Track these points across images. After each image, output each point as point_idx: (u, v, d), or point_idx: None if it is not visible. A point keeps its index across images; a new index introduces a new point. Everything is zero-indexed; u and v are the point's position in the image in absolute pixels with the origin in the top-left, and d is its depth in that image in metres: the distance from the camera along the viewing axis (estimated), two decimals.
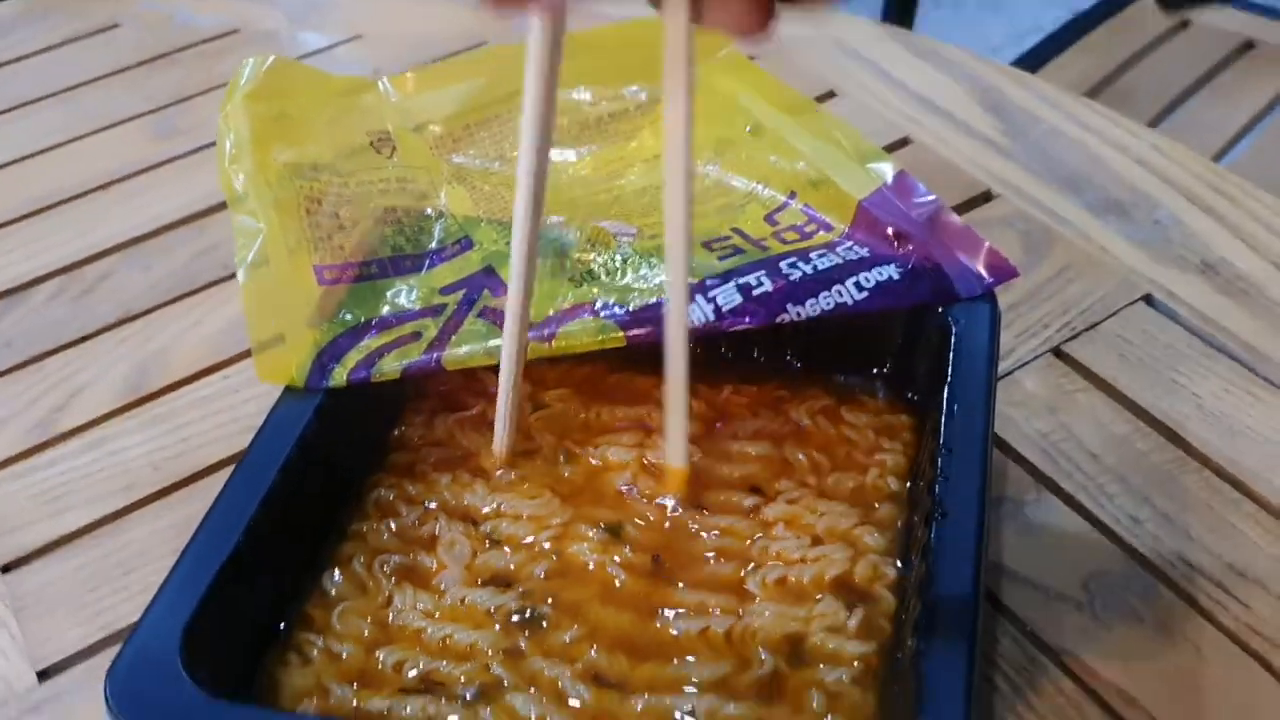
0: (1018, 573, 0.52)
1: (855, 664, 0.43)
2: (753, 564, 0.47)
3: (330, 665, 0.45)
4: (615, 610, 0.46)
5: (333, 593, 0.47)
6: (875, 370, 0.54)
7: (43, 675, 0.51)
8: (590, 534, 0.48)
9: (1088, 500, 0.55)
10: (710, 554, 0.48)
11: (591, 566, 0.47)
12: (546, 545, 0.48)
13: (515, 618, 0.46)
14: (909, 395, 0.54)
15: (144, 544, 0.56)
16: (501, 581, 0.47)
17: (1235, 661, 0.49)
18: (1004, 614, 0.51)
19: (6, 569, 0.55)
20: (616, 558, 0.47)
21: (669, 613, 0.46)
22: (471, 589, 0.47)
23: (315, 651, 0.45)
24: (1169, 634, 0.50)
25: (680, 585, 0.47)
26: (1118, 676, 0.48)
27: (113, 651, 0.41)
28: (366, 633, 0.46)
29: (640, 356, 0.51)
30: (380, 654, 0.45)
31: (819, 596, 0.46)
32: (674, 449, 0.49)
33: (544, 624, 0.45)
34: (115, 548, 0.56)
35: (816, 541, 0.48)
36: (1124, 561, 0.52)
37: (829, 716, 0.42)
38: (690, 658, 0.44)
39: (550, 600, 0.46)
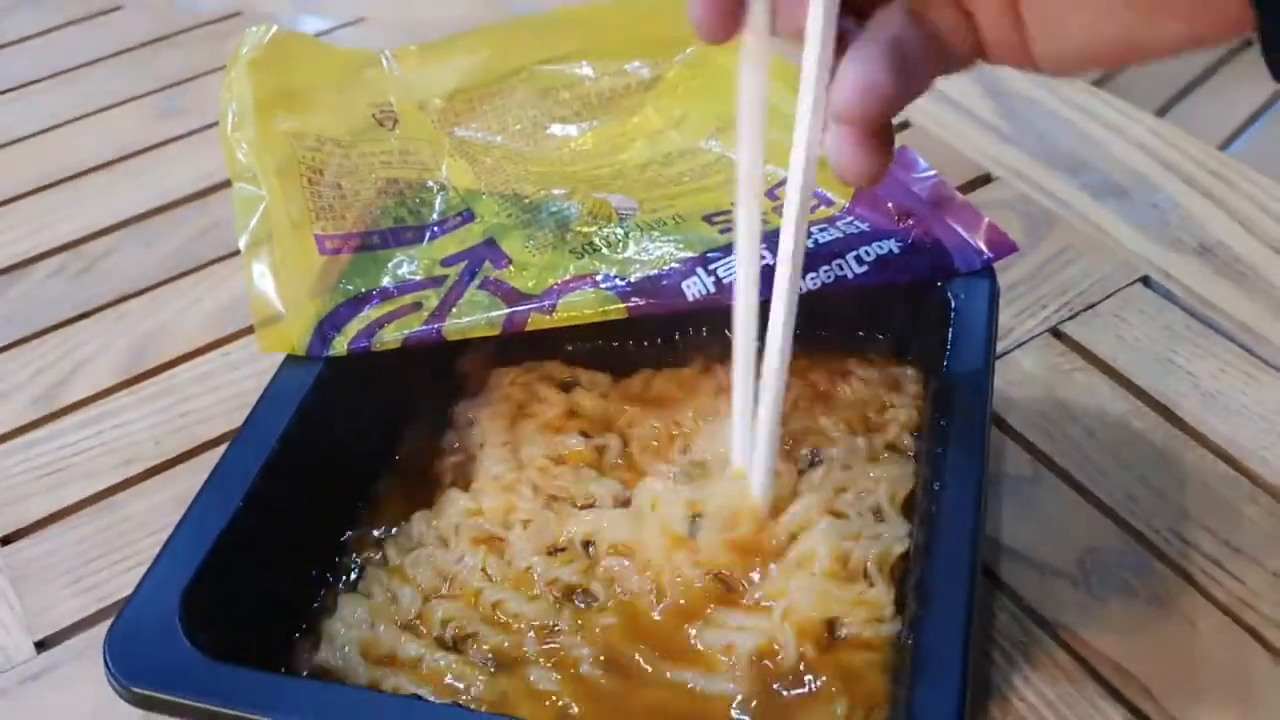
0: (1014, 549, 0.52)
1: (887, 648, 0.44)
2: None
3: (387, 606, 0.47)
4: (657, 613, 0.46)
5: (414, 537, 0.49)
6: (874, 346, 0.55)
7: (41, 645, 0.52)
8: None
9: (1084, 478, 0.55)
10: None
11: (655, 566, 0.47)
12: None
13: (572, 595, 0.47)
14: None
15: (143, 517, 0.56)
16: (567, 553, 0.48)
17: (1229, 635, 0.49)
18: (1001, 589, 0.51)
19: (6, 541, 0.56)
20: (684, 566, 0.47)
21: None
22: (540, 556, 0.48)
23: (379, 589, 0.47)
24: (1164, 608, 0.50)
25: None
26: (1113, 650, 0.49)
27: (110, 622, 0.41)
28: (430, 583, 0.48)
29: None
30: (435, 604, 0.47)
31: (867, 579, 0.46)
32: (755, 479, 0.47)
33: (592, 604, 0.47)
34: (114, 521, 0.56)
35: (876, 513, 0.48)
36: (1120, 538, 0.53)
37: (844, 699, 0.43)
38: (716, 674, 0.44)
39: (605, 584, 0.47)
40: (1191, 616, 0.50)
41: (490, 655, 0.45)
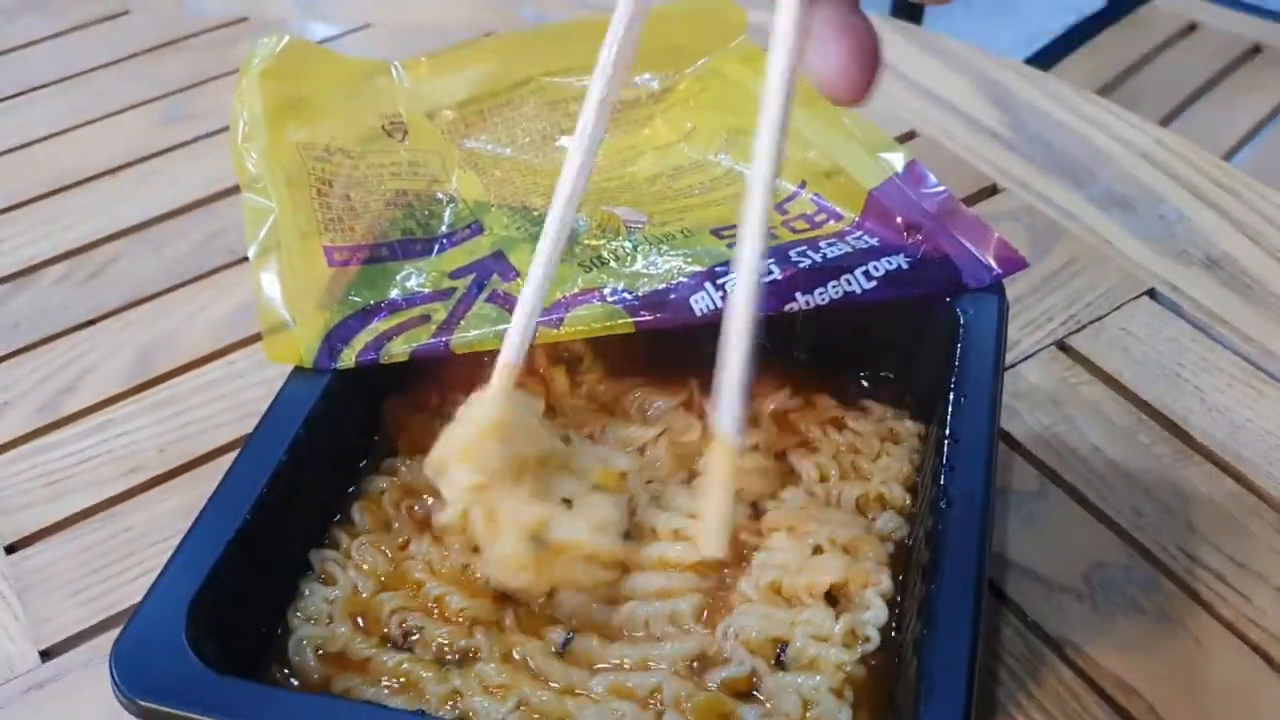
0: (1020, 564, 0.52)
1: (836, 672, 0.44)
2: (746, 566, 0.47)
3: (349, 599, 0.47)
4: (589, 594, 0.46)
5: (356, 522, 0.49)
6: (883, 359, 0.54)
7: (45, 655, 0.52)
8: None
9: (1090, 493, 0.55)
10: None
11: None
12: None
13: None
14: (915, 393, 0.53)
15: (147, 527, 0.56)
16: None
17: (1235, 653, 0.49)
18: (1006, 605, 0.51)
19: (10, 549, 0.56)
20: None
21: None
22: (474, 556, 0.47)
23: (339, 583, 0.47)
24: (1169, 625, 0.50)
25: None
26: (1118, 667, 0.49)
27: (114, 632, 0.41)
28: (381, 574, 0.48)
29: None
30: (384, 597, 0.47)
31: (809, 603, 0.46)
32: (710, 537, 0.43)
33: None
34: (118, 530, 0.56)
35: (817, 550, 0.47)
36: (1125, 553, 0.53)
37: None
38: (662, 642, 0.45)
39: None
40: (1197, 633, 0.50)
41: (443, 646, 0.45)
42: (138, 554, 0.55)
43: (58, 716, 0.49)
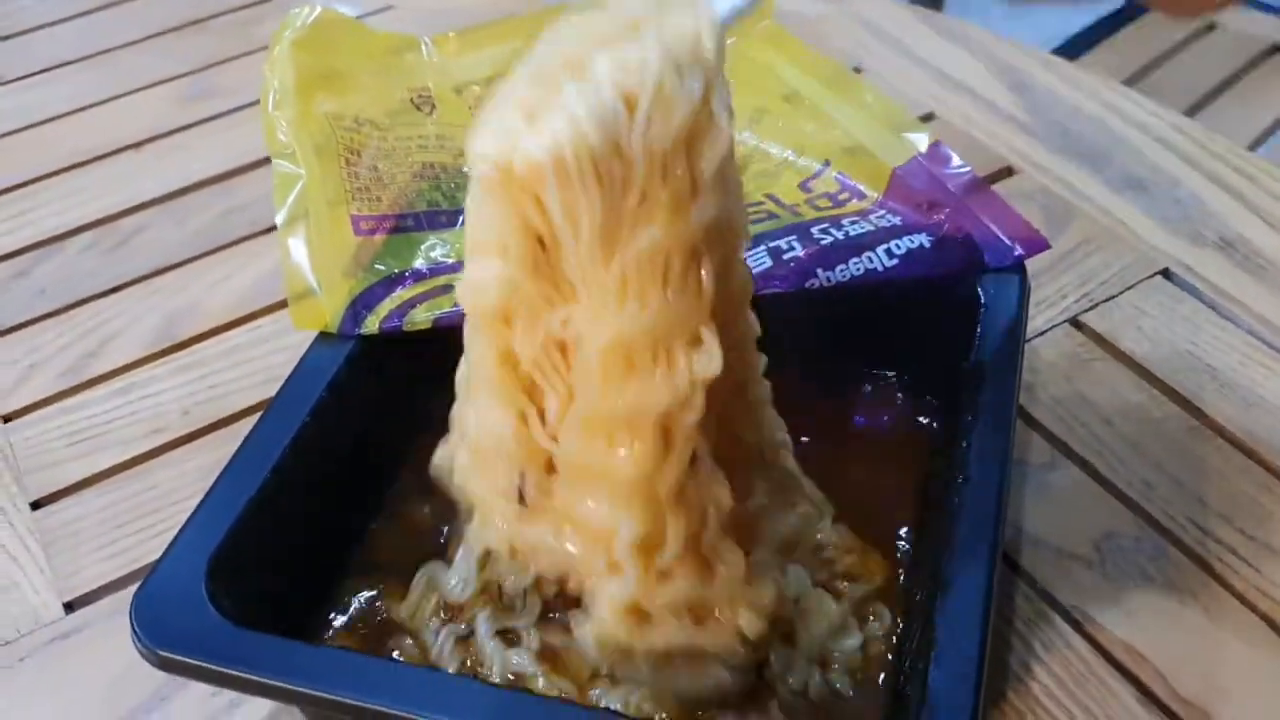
0: (1032, 534, 0.53)
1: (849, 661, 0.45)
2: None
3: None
4: None
5: None
6: (903, 339, 0.55)
7: (69, 607, 0.53)
8: None
9: (1102, 465, 0.56)
10: None
11: None
12: None
13: None
14: (935, 372, 0.53)
15: (171, 485, 0.57)
16: None
17: (1244, 622, 0.49)
18: (1018, 573, 0.51)
19: (36, 505, 0.57)
20: None
21: None
22: None
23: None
24: (1178, 594, 0.50)
25: None
26: (1127, 634, 0.49)
27: (136, 586, 0.42)
28: None
29: None
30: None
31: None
32: None
33: None
34: (143, 488, 0.57)
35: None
36: (1136, 524, 0.53)
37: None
38: None
39: None
40: (1207, 603, 0.50)
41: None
42: (161, 511, 0.56)
43: (80, 666, 0.50)
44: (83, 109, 0.84)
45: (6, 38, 0.93)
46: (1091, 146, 0.75)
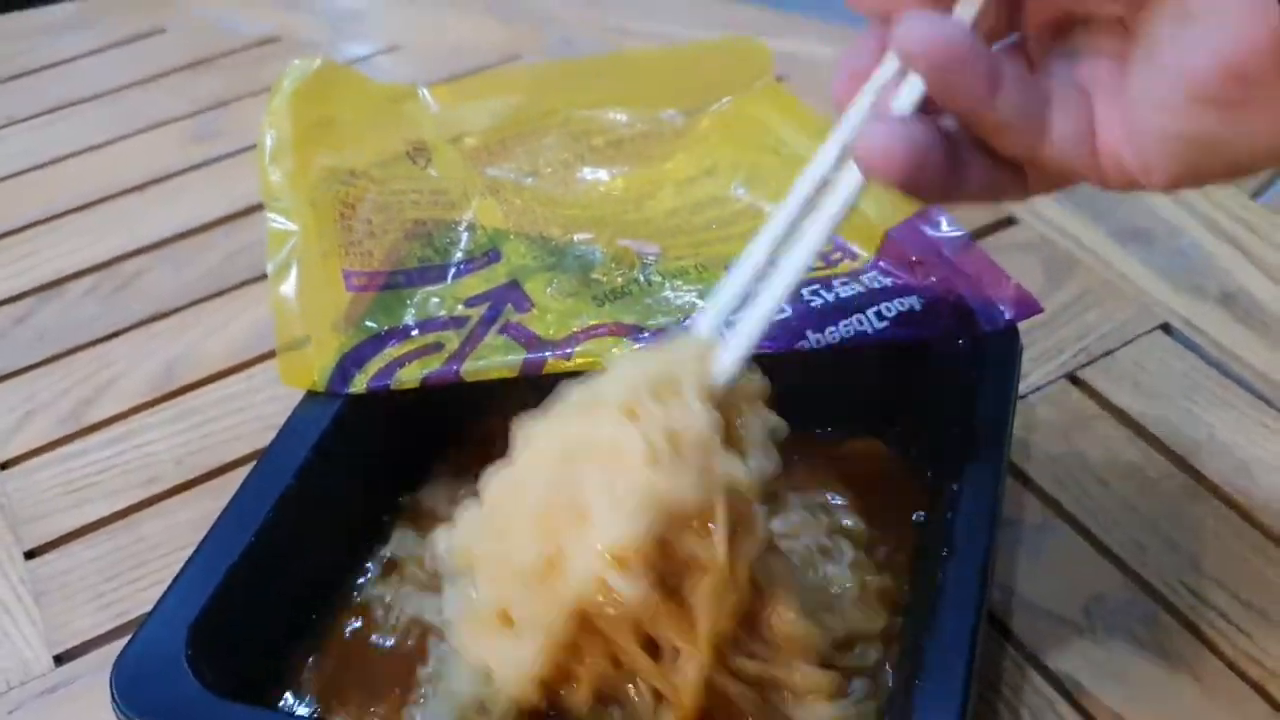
0: (1023, 596, 0.52)
1: None
2: None
3: None
4: None
5: None
6: (894, 402, 0.54)
7: (59, 659, 0.53)
8: None
9: (1095, 526, 0.55)
10: None
11: None
12: None
13: None
14: (926, 437, 0.53)
15: (163, 536, 0.57)
16: None
17: (1234, 691, 0.49)
18: (1008, 637, 0.51)
19: (30, 555, 0.57)
20: None
21: None
22: None
23: None
24: (1168, 660, 0.50)
25: None
26: (1115, 701, 0.49)
27: (126, 639, 0.42)
28: None
29: None
30: None
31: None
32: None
33: None
34: (134, 539, 0.57)
35: None
36: (1127, 587, 0.53)
37: None
38: None
39: None
40: (1196, 669, 0.50)
41: None
42: (152, 563, 0.56)
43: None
44: (88, 150, 0.85)
45: (16, 77, 0.93)
46: (1094, 196, 0.75)
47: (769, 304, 0.40)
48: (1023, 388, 0.61)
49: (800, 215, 0.40)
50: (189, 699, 0.40)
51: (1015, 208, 0.74)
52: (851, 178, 0.39)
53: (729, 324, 0.41)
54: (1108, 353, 0.64)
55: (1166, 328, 0.65)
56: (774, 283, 0.41)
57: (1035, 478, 0.57)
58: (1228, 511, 0.56)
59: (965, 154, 0.37)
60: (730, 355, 0.40)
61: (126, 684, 0.41)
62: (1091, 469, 0.58)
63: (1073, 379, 0.63)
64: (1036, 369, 0.63)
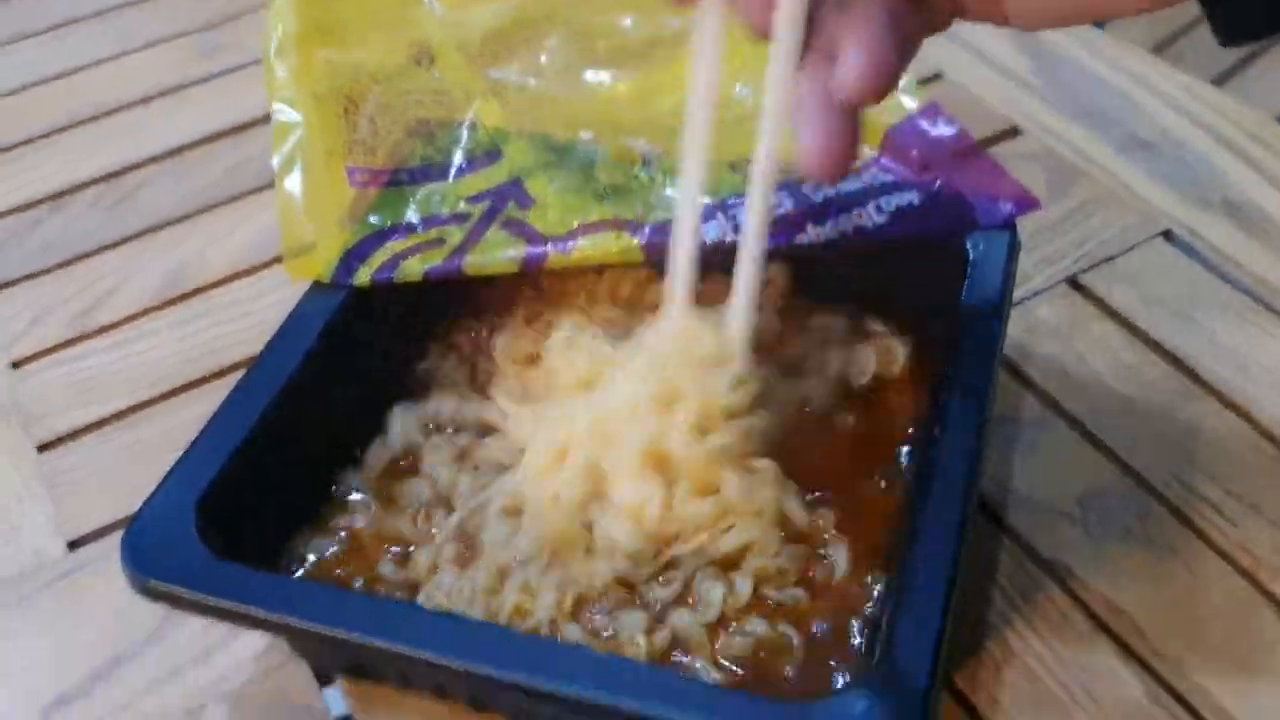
0: (1019, 491, 0.53)
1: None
2: None
3: None
4: None
5: None
6: (891, 295, 0.55)
7: (73, 545, 0.54)
8: None
9: (1091, 423, 0.56)
10: None
11: None
12: None
13: None
14: (923, 330, 0.54)
15: (172, 432, 0.58)
16: None
17: (1224, 578, 0.50)
18: (1003, 528, 0.52)
19: (42, 448, 0.58)
20: None
21: None
22: None
23: None
24: (1160, 549, 0.51)
25: None
26: (1107, 589, 0.49)
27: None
28: None
29: None
30: None
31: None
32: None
33: None
34: (145, 434, 0.58)
35: None
36: (1121, 481, 0.53)
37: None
38: None
39: None
40: (1188, 559, 0.50)
41: None
42: (163, 456, 0.55)
43: (83, 602, 0.52)
44: (92, 65, 0.85)
45: None
46: (1100, 108, 0.75)
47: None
48: (1023, 291, 0.62)
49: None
50: (196, 562, 0.41)
51: (1019, 119, 0.74)
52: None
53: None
54: (1109, 258, 0.64)
55: (1168, 235, 0.65)
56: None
57: (1033, 377, 0.58)
58: (1223, 410, 0.56)
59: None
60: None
61: (137, 551, 0.42)
62: (1089, 369, 0.58)
63: (1073, 283, 0.63)
64: (1037, 273, 0.63)
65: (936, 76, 0.78)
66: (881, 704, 0.36)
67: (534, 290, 0.56)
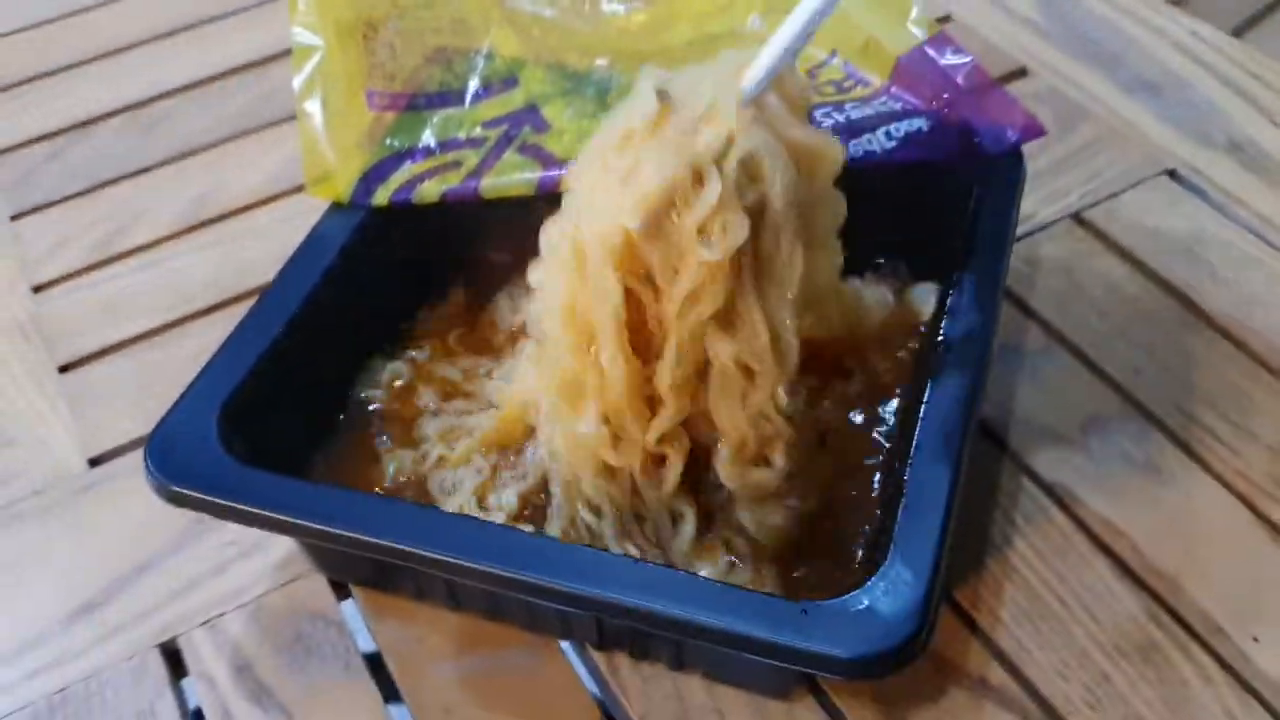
0: (1021, 416, 0.54)
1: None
2: None
3: None
4: None
5: None
6: (900, 221, 0.55)
7: (94, 462, 0.55)
8: None
9: (1093, 352, 0.57)
10: None
11: None
12: None
13: None
14: (930, 253, 0.55)
15: (194, 351, 0.59)
16: None
17: (1221, 502, 0.51)
18: (1005, 451, 0.53)
19: (64, 369, 0.60)
20: None
21: None
22: None
23: None
24: (1159, 474, 0.52)
25: None
26: (1107, 510, 0.51)
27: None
28: None
29: None
30: None
31: None
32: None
33: None
34: (168, 354, 0.60)
35: None
36: (1123, 409, 0.54)
37: None
38: None
39: None
40: (1186, 483, 0.52)
41: None
42: (184, 376, 0.56)
43: (105, 514, 0.53)
44: None
45: None
46: (1106, 49, 0.75)
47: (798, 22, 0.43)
48: (1028, 226, 0.63)
49: None
50: (218, 468, 0.43)
51: (1026, 60, 0.75)
52: None
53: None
54: (1113, 195, 0.65)
55: (1173, 173, 0.66)
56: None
57: (1037, 308, 0.59)
58: (1222, 341, 0.57)
59: None
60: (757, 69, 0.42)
61: (161, 458, 0.43)
62: (1092, 301, 0.59)
63: (1077, 219, 0.64)
64: (1042, 209, 0.64)
65: (945, 18, 0.79)
66: (883, 604, 0.38)
67: None
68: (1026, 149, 0.53)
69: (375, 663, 0.48)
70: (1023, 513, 0.51)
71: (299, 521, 0.42)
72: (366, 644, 0.48)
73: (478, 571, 0.40)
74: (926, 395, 0.44)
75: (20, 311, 0.63)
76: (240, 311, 0.60)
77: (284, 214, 0.67)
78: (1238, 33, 1.16)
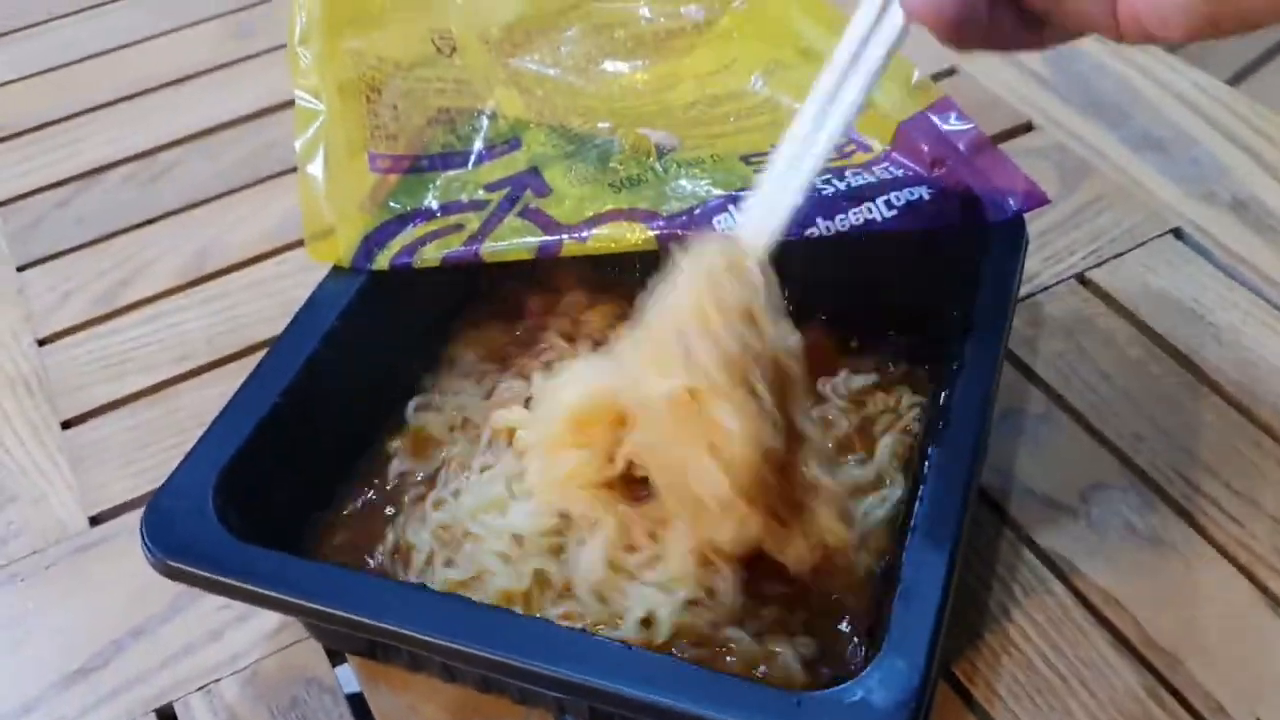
0: (1022, 482, 0.54)
1: None
2: None
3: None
4: None
5: None
6: (902, 291, 0.55)
7: (94, 521, 0.56)
8: None
9: (1095, 418, 0.57)
10: None
11: None
12: None
13: None
14: (933, 325, 0.54)
15: (195, 409, 0.60)
16: None
17: (1224, 575, 0.50)
18: (1004, 520, 0.53)
19: (66, 425, 0.60)
20: None
21: None
22: None
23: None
24: (1160, 545, 0.52)
25: None
26: (1107, 582, 0.50)
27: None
28: None
29: None
30: None
31: None
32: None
33: None
34: (168, 411, 0.60)
35: None
36: (1124, 476, 0.54)
37: None
38: None
39: None
40: (1188, 555, 0.51)
41: None
42: (185, 433, 0.58)
43: (103, 576, 0.53)
44: (128, 45, 0.86)
45: None
46: (1112, 104, 0.75)
47: (809, 168, 0.45)
48: (1031, 287, 0.63)
49: (845, 73, 0.45)
50: (213, 542, 0.43)
51: (1032, 114, 0.75)
52: (890, 28, 0.44)
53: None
54: (1118, 255, 0.65)
55: (1178, 233, 0.66)
56: (814, 147, 0.45)
57: (1039, 372, 0.59)
58: (1226, 407, 0.57)
59: (996, 4, 0.38)
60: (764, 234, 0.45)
61: (156, 531, 0.43)
62: (1095, 364, 0.59)
63: (1081, 279, 0.64)
64: (1046, 269, 0.64)
65: (951, 71, 0.79)
66: (877, 695, 0.37)
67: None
68: None
69: None
70: (1021, 583, 0.51)
71: (291, 600, 0.42)
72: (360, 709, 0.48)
73: (468, 655, 0.39)
74: (924, 474, 0.44)
75: (25, 365, 0.63)
76: (241, 369, 0.61)
77: (284, 269, 0.67)
78: (1235, 81, 1.16)
